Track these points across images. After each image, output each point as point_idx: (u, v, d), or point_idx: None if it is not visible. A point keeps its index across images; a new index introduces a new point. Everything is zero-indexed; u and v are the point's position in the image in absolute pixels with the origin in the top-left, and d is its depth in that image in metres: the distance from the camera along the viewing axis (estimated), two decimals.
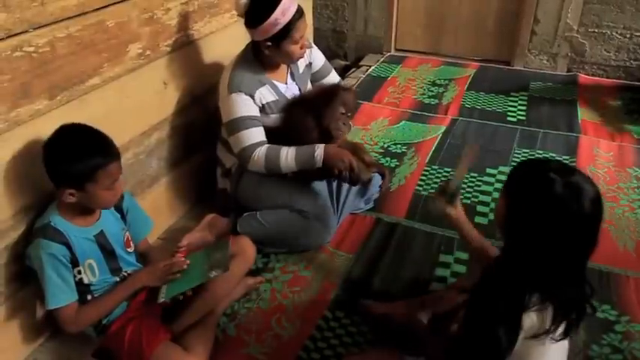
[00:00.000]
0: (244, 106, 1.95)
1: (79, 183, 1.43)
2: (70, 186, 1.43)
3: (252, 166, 1.98)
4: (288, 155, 1.94)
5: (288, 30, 1.90)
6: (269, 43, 1.94)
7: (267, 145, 1.97)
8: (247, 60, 2.02)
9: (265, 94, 2.00)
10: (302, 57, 2.07)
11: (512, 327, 1.12)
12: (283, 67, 2.12)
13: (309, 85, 2.23)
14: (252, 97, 1.96)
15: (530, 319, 1.13)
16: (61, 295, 1.47)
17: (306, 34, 2.01)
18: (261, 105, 2.00)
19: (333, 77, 2.33)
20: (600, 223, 1.14)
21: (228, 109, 1.98)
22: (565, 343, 1.24)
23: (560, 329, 1.15)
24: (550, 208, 1.10)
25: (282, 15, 1.88)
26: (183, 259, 1.60)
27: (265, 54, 1.99)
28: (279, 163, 1.95)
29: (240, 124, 1.96)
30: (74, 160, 1.41)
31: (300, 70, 2.17)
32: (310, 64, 2.23)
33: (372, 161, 2.22)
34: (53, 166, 1.45)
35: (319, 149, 1.92)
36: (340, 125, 1.99)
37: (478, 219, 2.23)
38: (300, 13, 1.93)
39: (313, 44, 2.27)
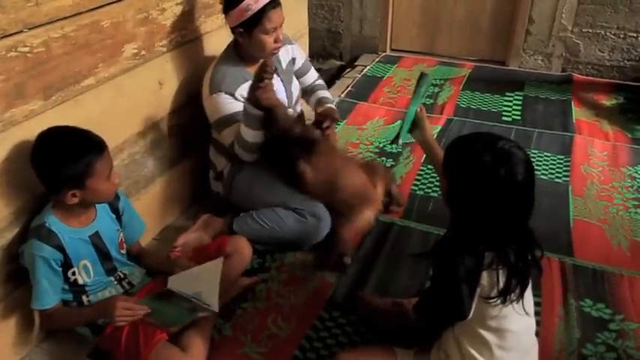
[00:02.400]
0: (226, 104, 1.99)
1: (79, 182, 1.43)
2: (72, 187, 1.43)
3: (240, 156, 2.03)
4: (241, 128, 1.94)
5: (259, 18, 1.92)
6: (241, 30, 1.96)
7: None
8: (229, 57, 2.05)
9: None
10: (276, 51, 2.06)
11: (472, 283, 1.22)
12: None
13: (295, 81, 2.25)
14: (233, 95, 1.99)
15: (484, 278, 1.22)
16: (46, 298, 1.50)
17: (282, 29, 2.01)
18: (244, 100, 2.00)
19: (312, 75, 2.38)
20: (533, 182, 1.21)
21: (211, 109, 2.02)
22: (531, 323, 1.35)
23: (514, 293, 1.23)
24: (483, 177, 1.19)
25: (254, 1, 1.89)
26: (145, 308, 1.48)
27: (241, 44, 2.01)
28: (245, 139, 1.95)
29: (225, 122, 2.00)
30: (70, 161, 1.42)
31: (284, 66, 2.19)
32: (294, 59, 2.26)
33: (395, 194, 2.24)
34: (49, 173, 1.45)
35: (246, 103, 1.89)
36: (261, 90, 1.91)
37: None
38: (274, 3, 1.94)
39: (293, 41, 2.29)
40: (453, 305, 1.26)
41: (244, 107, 1.91)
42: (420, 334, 1.47)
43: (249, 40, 1.98)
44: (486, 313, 1.27)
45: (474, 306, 1.25)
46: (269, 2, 1.92)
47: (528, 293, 1.30)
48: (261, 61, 1.84)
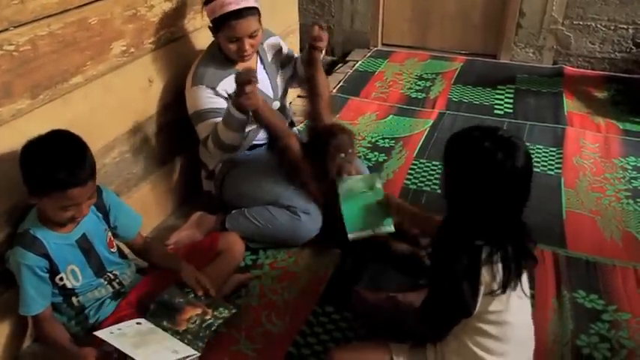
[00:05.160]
0: (205, 98, 1.97)
1: (33, 190, 1.40)
2: (28, 189, 1.40)
3: (210, 151, 2.01)
4: (219, 125, 1.92)
5: (222, 24, 1.91)
6: (210, 25, 1.97)
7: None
8: (213, 50, 2.03)
9: (231, 84, 1.98)
10: (241, 59, 2.00)
11: (473, 280, 1.22)
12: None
13: (280, 73, 2.22)
14: (214, 89, 1.97)
15: (484, 275, 1.22)
16: (32, 304, 1.48)
17: (257, 37, 1.95)
18: (226, 95, 2.00)
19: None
20: (530, 171, 1.22)
21: (191, 101, 2.01)
22: (526, 300, 1.34)
23: (513, 282, 1.24)
24: (482, 161, 1.20)
25: (219, 7, 1.88)
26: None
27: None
28: (219, 136, 1.93)
29: (202, 116, 1.99)
30: (35, 166, 1.38)
31: (269, 58, 2.17)
32: (280, 50, 2.23)
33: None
34: (21, 162, 1.41)
35: (230, 105, 1.87)
36: (345, 166, 1.92)
37: None
38: (240, 15, 1.87)
39: (275, 34, 2.25)
40: (456, 304, 1.26)
41: (227, 108, 1.88)
42: (416, 330, 1.47)
43: (217, 39, 1.98)
44: (487, 307, 1.26)
45: (479, 303, 1.24)
46: (232, 12, 1.87)
47: (524, 279, 1.30)
48: (239, 70, 1.82)
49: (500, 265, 1.22)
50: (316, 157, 1.94)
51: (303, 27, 3.67)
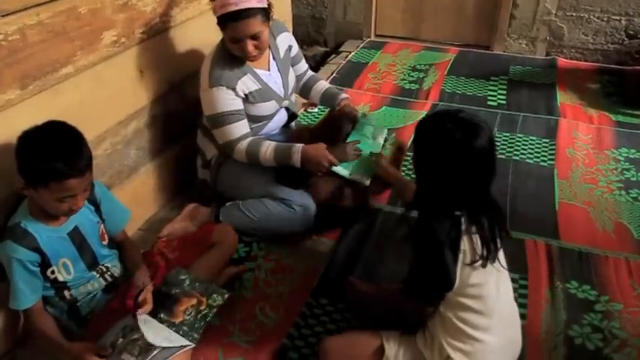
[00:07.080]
0: (226, 100, 1.91)
1: (30, 181, 1.38)
2: (24, 179, 1.39)
3: (236, 157, 1.98)
4: (267, 151, 1.92)
5: (222, 23, 1.85)
6: (216, 21, 1.90)
7: (249, 139, 1.95)
8: (226, 48, 1.96)
9: (248, 84, 1.96)
10: (248, 58, 1.93)
11: (453, 249, 1.27)
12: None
13: (291, 71, 2.19)
14: (234, 89, 1.92)
15: (465, 243, 1.28)
16: (23, 298, 1.46)
17: (261, 39, 1.86)
18: (244, 95, 1.96)
19: (304, 64, 2.31)
20: (490, 149, 1.28)
21: (209, 102, 1.94)
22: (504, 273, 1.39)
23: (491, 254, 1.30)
24: (441, 140, 1.28)
25: (220, 7, 1.81)
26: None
27: None
28: (258, 158, 1.94)
29: (224, 119, 1.93)
30: (33, 156, 1.36)
31: (281, 54, 2.12)
32: (290, 47, 2.18)
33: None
34: (17, 152, 1.39)
35: (296, 152, 1.90)
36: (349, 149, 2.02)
37: None
38: (238, 16, 1.79)
39: (287, 28, 2.22)
40: (439, 272, 1.28)
41: (291, 157, 1.91)
42: (407, 320, 1.47)
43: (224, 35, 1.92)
44: (467, 280, 1.29)
45: (458, 274, 1.27)
46: (230, 13, 1.79)
47: (500, 254, 1.36)
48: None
49: (477, 237, 1.27)
50: (329, 136, 2.02)
51: (296, 18, 3.65)
